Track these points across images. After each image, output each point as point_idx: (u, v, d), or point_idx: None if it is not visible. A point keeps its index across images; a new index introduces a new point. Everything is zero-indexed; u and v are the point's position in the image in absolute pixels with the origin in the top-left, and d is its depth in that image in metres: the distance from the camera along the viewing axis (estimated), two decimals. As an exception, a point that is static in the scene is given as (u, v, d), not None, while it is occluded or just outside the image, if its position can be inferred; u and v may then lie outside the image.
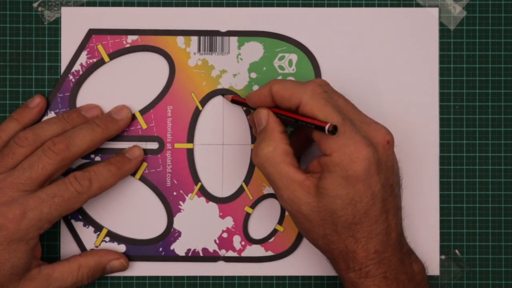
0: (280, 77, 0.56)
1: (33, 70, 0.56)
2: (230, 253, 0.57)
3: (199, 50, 0.57)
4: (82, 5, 0.57)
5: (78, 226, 0.56)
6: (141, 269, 0.56)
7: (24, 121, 0.54)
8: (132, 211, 0.56)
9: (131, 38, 0.56)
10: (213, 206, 0.57)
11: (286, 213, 0.56)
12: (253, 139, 0.56)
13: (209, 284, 0.56)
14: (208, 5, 0.57)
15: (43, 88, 0.56)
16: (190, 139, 0.56)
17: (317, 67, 0.56)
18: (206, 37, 0.56)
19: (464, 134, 0.57)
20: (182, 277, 0.56)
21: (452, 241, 0.57)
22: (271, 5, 0.57)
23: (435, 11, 0.57)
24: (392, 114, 0.57)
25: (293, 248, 0.56)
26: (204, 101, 0.57)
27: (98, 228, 0.56)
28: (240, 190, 0.57)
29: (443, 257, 0.56)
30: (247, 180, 0.57)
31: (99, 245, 0.56)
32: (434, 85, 0.57)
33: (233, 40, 0.57)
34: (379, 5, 0.57)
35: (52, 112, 0.56)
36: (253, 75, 0.57)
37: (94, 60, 0.56)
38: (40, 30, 0.56)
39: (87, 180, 0.52)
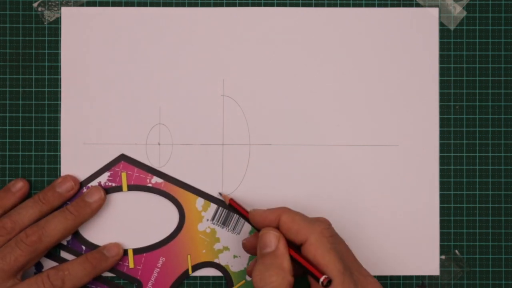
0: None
1: (33, 70, 0.56)
2: (230, 254, 0.57)
3: (213, 218, 0.56)
4: (82, 5, 0.57)
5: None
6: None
7: (5, 205, 0.54)
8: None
9: (155, 180, 0.56)
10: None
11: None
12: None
13: (209, 284, 0.56)
14: (208, 5, 0.57)
15: (43, 88, 0.56)
16: None
17: None
18: (224, 210, 0.56)
19: (464, 134, 0.57)
20: (182, 277, 0.57)
21: (452, 241, 0.57)
22: (271, 5, 0.57)
23: (435, 11, 0.57)
24: (392, 114, 0.57)
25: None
26: (197, 267, 0.56)
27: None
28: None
29: (443, 257, 0.56)
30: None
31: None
32: (434, 85, 0.57)
33: (247, 226, 0.56)
34: (379, 5, 0.57)
35: None
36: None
37: (113, 184, 0.56)
38: (40, 30, 0.56)
39: (60, 280, 0.52)
